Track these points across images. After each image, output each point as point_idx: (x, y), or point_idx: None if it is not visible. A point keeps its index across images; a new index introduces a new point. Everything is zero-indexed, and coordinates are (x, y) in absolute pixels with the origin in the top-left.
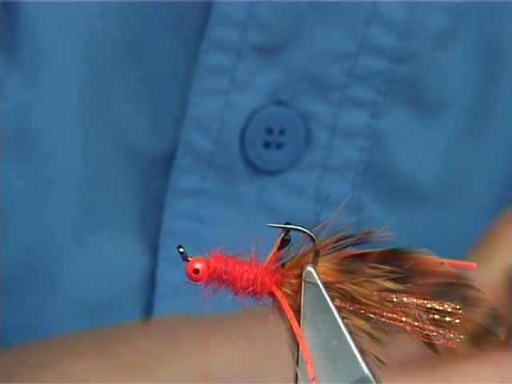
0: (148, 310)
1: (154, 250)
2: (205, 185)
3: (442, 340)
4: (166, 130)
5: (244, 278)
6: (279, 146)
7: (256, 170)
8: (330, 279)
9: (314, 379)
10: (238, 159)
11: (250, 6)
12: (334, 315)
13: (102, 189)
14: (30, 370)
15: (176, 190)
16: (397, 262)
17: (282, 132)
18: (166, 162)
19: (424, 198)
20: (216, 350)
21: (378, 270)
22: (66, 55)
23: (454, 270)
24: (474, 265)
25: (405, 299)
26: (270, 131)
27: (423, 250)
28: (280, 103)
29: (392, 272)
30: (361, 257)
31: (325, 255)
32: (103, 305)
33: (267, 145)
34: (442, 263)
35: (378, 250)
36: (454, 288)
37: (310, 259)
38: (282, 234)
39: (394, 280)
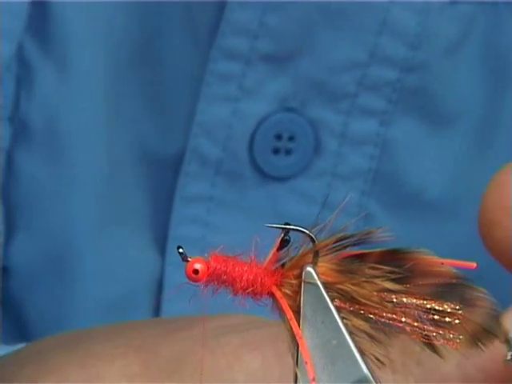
0: (157, 312)
1: (163, 252)
2: (213, 191)
3: (442, 340)
4: (176, 133)
5: (244, 278)
6: (288, 152)
7: (264, 176)
8: (329, 279)
9: (313, 379)
10: (246, 165)
11: (261, 14)
12: (333, 315)
13: (119, 188)
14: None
15: (183, 195)
16: (397, 262)
17: (290, 138)
18: (176, 166)
19: (432, 207)
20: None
21: (377, 270)
22: (93, 54)
23: (454, 270)
24: (474, 265)
25: (405, 299)
26: (279, 137)
27: (423, 250)
28: (289, 110)
29: (392, 272)
30: (361, 257)
31: (325, 255)
32: (117, 302)
33: (276, 151)
34: (442, 263)
35: (378, 250)
36: (454, 288)
37: (310, 259)
38: (282, 235)
39: (393, 280)
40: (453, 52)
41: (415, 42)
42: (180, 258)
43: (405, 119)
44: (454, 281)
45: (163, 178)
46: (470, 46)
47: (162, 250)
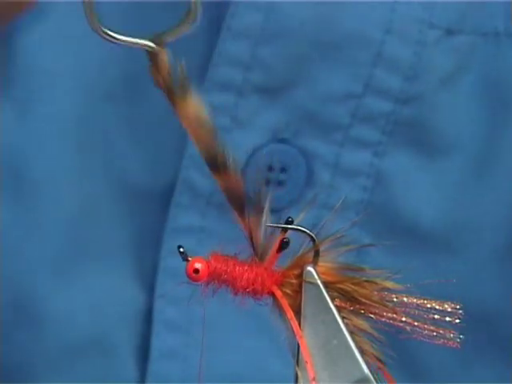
0: (143, 347)
1: (149, 286)
2: (204, 222)
3: (442, 340)
4: (164, 166)
5: (244, 277)
6: (280, 183)
7: None
8: (330, 279)
9: (314, 379)
10: None
11: (254, 46)
12: (334, 315)
13: (94, 224)
14: None
15: (174, 227)
16: None
17: (283, 170)
18: (164, 198)
19: (426, 241)
20: None
21: (378, 269)
22: (62, 89)
23: None
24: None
25: (405, 299)
26: (270, 168)
27: None
28: (281, 141)
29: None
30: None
31: (325, 255)
32: (96, 342)
33: (267, 182)
34: None
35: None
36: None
37: (310, 259)
38: (282, 235)
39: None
40: (449, 83)
41: (410, 74)
42: (174, 292)
43: (399, 150)
44: None
45: (149, 211)
46: (467, 77)
47: (148, 284)
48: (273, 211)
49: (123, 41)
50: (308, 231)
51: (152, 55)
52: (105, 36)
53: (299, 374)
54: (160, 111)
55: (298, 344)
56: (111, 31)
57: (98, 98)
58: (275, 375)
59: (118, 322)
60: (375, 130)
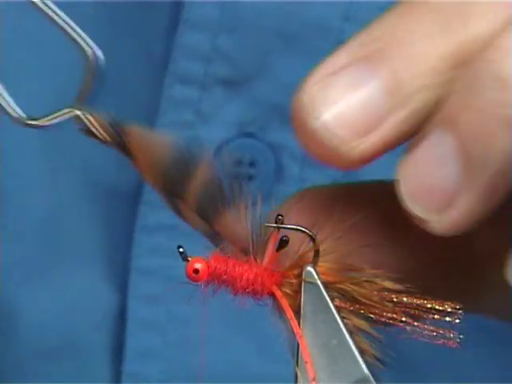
0: (117, 348)
1: (123, 286)
2: (174, 219)
3: (442, 340)
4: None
5: (244, 277)
6: (250, 178)
7: None
8: (329, 279)
9: (314, 379)
10: None
11: (213, 37)
12: (333, 315)
13: (64, 226)
14: None
15: (144, 225)
16: None
17: (252, 164)
18: (134, 197)
19: None
20: None
21: (377, 270)
22: (29, 89)
23: None
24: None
25: (405, 299)
26: (239, 163)
27: None
28: (248, 135)
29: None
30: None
31: (324, 255)
32: (69, 344)
33: (237, 177)
34: None
35: None
36: None
37: (310, 259)
38: (276, 233)
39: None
40: None
41: None
42: (147, 292)
43: None
44: None
45: (119, 210)
46: None
47: (121, 284)
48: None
49: (49, 123)
50: (308, 231)
51: (80, 120)
52: (29, 125)
53: (299, 373)
54: (126, 108)
55: (298, 344)
56: (31, 119)
57: (63, 99)
58: (254, 373)
59: (91, 324)
60: None
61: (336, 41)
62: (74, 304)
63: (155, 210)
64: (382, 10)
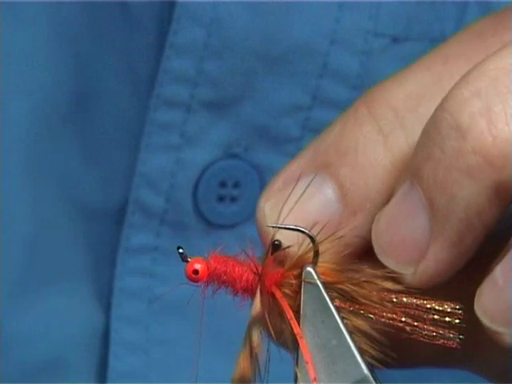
0: (102, 368)
1: (107, 306)
2: (158, 241)
3: (442, 340)
4: (117, 184)
5: (244, 278)
6: (233, 199)
7: (210, 224)
8: (329, 279)
9: (314, 379)
10: (191, 215)
11: (199, 61)
12: (333, 315)
13: (50, 245)
14: None
15: (128, 246)
16: None
17: (235, 185)
18: (118, 217)
19: None
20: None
21: (377, 270)
22: (12, 110)
23: None
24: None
25: (405, 299)
26: (223, 185)
27: None
28: (233, 156)
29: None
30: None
31: (324, 255)
32: (53, 364)
33: (221, 199)
34: None
35: None
36: None
37: (310, 259)
38: (272, 239)
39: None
40: None
41: (358, 83)
42: (131, 313)
43: None
44: None
45: (104, 230)
46: None
47: (105, 303)
48: (228, 227)
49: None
50: (308, 232)
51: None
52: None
53: (299, 374)
54: (110, 130)
55: (298, 344)
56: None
57: (50, 116)
58: None
59: (76, 344)
60: None
61: (322, 63)
62: (59, 323)
63: (138, 232)
64: (368, 32)
